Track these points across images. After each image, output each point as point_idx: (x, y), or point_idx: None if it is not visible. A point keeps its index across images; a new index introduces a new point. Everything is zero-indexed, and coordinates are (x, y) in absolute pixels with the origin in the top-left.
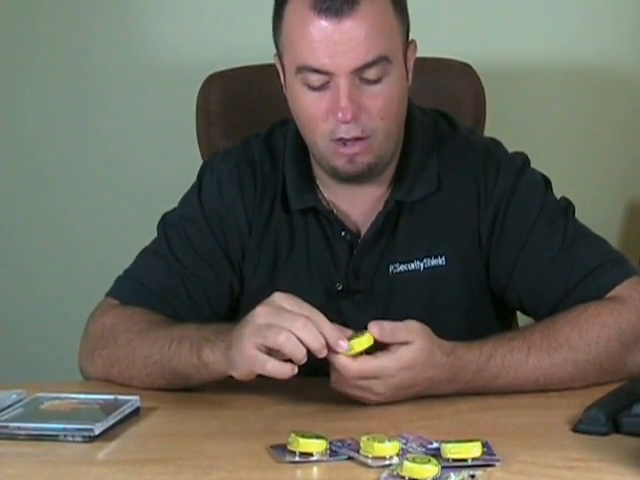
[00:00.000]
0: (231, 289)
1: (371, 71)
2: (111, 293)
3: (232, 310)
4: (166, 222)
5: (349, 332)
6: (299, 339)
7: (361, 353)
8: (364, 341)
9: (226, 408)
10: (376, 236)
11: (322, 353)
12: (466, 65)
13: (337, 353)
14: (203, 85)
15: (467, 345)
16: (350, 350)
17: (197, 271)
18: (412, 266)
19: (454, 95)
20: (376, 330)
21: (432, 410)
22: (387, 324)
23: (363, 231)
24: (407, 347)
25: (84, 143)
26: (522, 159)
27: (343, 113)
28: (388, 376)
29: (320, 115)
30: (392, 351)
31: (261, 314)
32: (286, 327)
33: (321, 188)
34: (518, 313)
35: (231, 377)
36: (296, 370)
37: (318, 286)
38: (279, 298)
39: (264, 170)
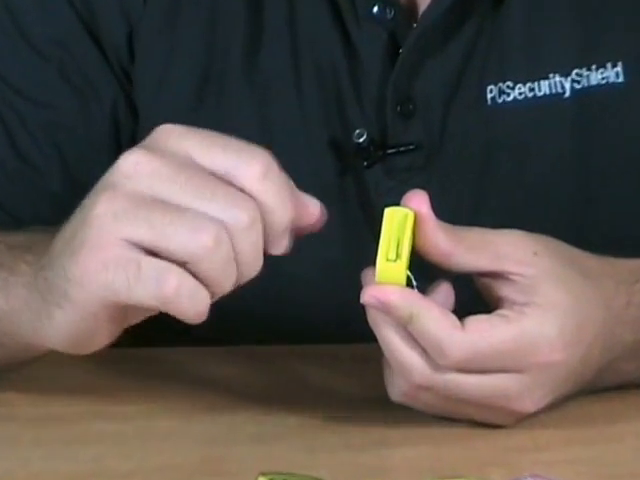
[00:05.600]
0: (114, 125)
1: None
2: None
3: None
4: None
5: None
6: (236, 253)
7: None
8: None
9: (116, 420)
10: (453, 18)
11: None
12: None
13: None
14: None
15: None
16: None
17: (38, 93)
18: (547, 88)
19: None
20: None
21: (563, 418)
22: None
23: (422, 7)
24: (552, 286)
25: None
26: None
27: None
28: (545, 360)
29: None
30: (532, 294)
31: (140, 172)
32: (218, 218)
33: None
34: None
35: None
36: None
37: (314, 133)
38: (176, 133)
39: None
